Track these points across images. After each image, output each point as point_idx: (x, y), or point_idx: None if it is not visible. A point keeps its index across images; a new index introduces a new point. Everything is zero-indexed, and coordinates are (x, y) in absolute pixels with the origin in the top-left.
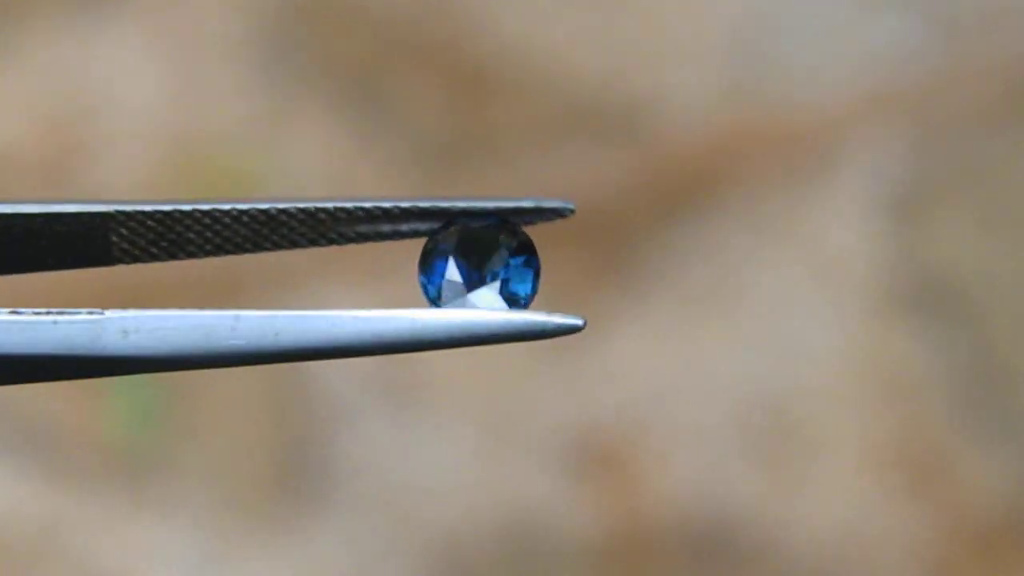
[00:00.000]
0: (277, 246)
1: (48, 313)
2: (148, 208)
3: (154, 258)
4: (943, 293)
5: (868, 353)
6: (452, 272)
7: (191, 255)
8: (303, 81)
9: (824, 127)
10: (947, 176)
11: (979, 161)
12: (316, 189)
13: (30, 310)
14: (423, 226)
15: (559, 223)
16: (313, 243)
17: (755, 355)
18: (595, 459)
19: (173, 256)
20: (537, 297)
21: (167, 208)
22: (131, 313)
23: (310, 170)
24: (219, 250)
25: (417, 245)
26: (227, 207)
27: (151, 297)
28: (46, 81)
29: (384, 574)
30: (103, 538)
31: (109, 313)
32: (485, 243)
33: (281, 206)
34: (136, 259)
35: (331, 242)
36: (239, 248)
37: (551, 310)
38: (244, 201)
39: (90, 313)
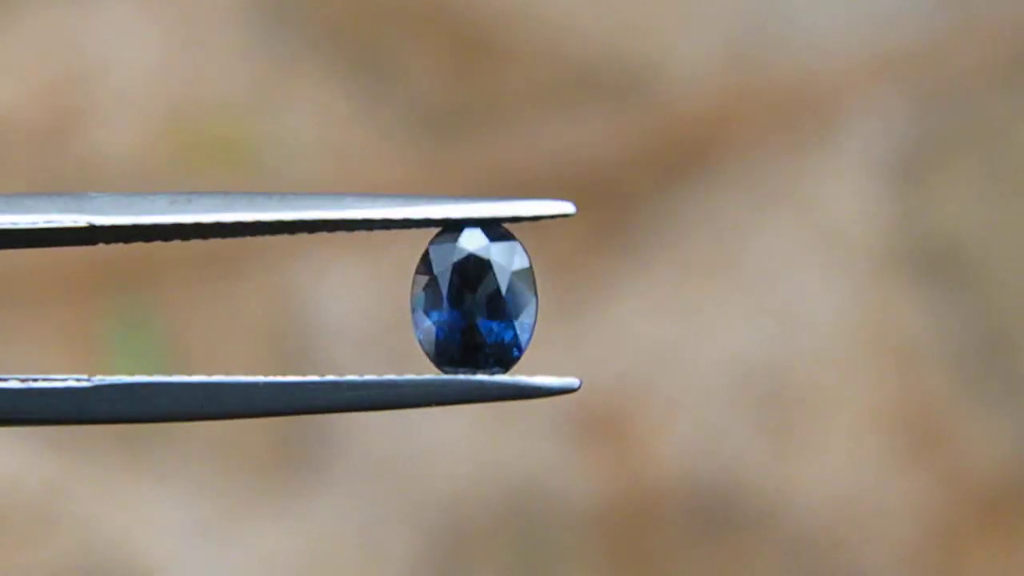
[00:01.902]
0: (263, 235)
1: (35, 380)
2: (127, 222)
3: (135, 241)
4: (947, 257)
5: (871, 318)
6: (446, 322)
7: (172, 240)
8: (301, 47)
9: (827, 91)
10: (951, 139)
11: (983, 124)
12: (314, 156)
13: (15, 376)
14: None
15: (561, 186)
16: (299, 232)
17: (757, 320)
18: (597, 425)
19: (154, 240)
20: (538, 269)
21: (147, 222)
22: (118, 380)
23: (309, 136)
24: (203, 237)
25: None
26: (211, 220)
27: (147, 276)
28: (42, 47)
29: (385, 541)
30: (104, 505)
31: (96, 379)
32: (480, 280)
33: (267, 218)
34: (116, 242)
35: (318, 231)
36: (223, 236)
37: (546, 372)
38: (229, 213)
39: (77, 380)
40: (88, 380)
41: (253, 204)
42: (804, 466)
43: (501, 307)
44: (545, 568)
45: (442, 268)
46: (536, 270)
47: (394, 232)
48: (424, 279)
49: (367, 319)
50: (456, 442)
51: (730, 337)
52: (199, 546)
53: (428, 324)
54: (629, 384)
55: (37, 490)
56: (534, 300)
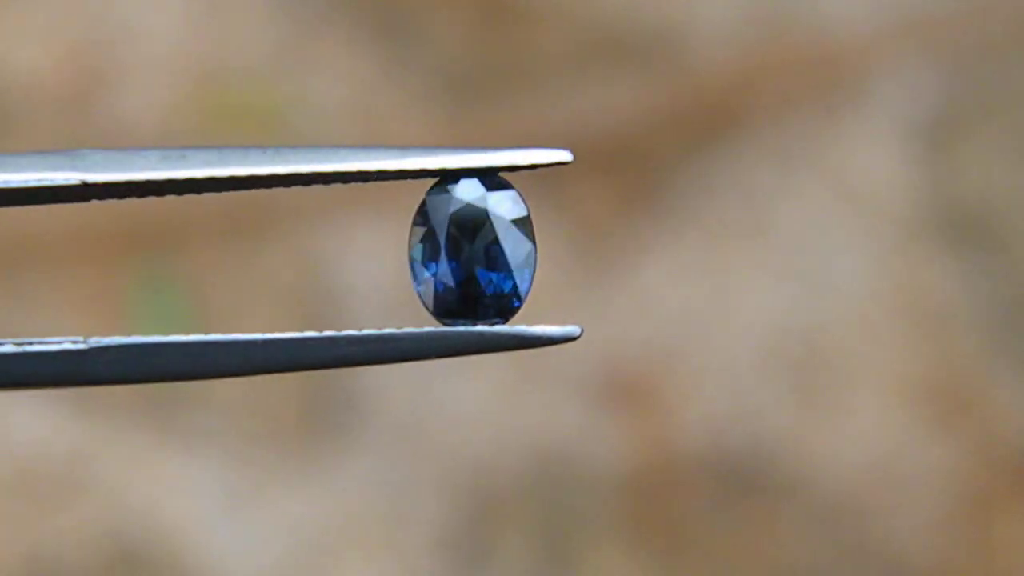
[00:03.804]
0: (257, 188)
1: (31, 343)
2: (120, 179)
3: (129, 197)
4: (975, 222)
5: (899, 284)
6: (445, 274)
7: (166, 195)
8: (326, 10)
9: (854, 55)
10: (979, 104)
11: (1012, 88)
12: (339, 119)
13: (11, 340)
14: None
15: (588, 151)
16: (294, 185)
17: (785, 286)
18: (624, 391)
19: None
20: (565, 234)
21: (140, 178)
22: (115, 341)
23: (334, 100)
24: (197, 192)
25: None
26: (202, 175)
27: (176, 238)
28: (67, 11)
29: (412, 506)
30: (131, 471)
31: (92, 341)
32: (477, 231)
33: (262, 171)
34: (110, 198)
35: (313, 183)
36: (217, 191)
37: (545, 314)
38: (222, 167)
39: (74, 343)
40: (84, 342)
41: (247, 158)
42: (832, 433)
43: (499, 257)
44: (571, 533)
45: (439, 219)
46: (563, 235)
47: (418, 193)
48: (421, 230)
49: (392, 282)
50: (482, 408)
51: (758, 302)
52: (226, 512)
53: (427, 276)
54: (656, 349)
55: (64, 456)
56: (533, 249)
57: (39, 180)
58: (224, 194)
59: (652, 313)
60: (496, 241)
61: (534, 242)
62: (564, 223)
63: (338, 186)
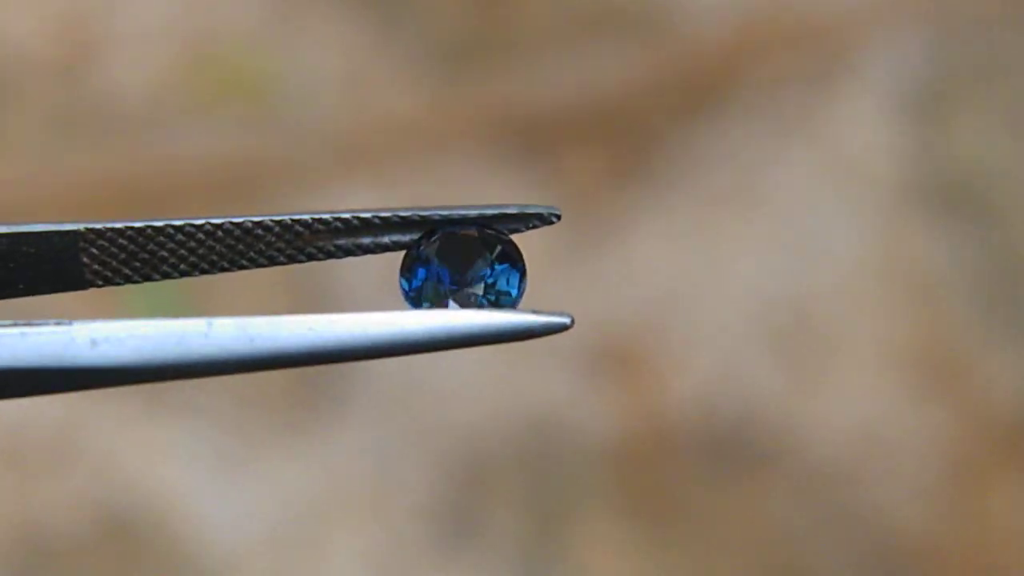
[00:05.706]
0: (254, 263)
1: (15, 325)
2: (118, 225)
3: (128, 279)
4: (964, 192)
5: (889, 252)
6: (434, 276)
7: (166, 275)
8: None
9: (846, 25)
10: (969, 75)
11: (1001, 60)
12: (331, 88)
13: None
14: (404, 237)
15: (580, 116)
16: (291, 259)
17: (775, 255)
18: (615, 359)
19: (147, 277)
20: (556, 203)
21: (138, 225)
22: (100, 323)
23: (325, 69)
24: (194, 268)
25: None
26: (200, 222)
27: (165, 207)
28: None
29: (404, 475)
30: (122, 440)
31: (77, 323)
32: (467, 248)
33: (256, 219)
34: (109, 281)
35: (310, 257)
36: (215, 266)
37: (536, 308)
38: (218, 216)
39: (58, 324)
40: (69, 324)
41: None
42: (822, 400)
43: (488, 264)
44: (560, 501)
45: (430, 253)
46: (553, 204)
47: (412, 168)
48: (409, 274)
49: (388, 257)
50: (474, 377)
51: (748, 271)
52: (216, 480)
53: (416, 278)
54: (646, 318)
55: (56, 425)
56: (520, 266)
57: (32, 228)
58: (213, 161)
59: (642, 282)
60: (488, 272)
61: (523, 262)
62: (554, 192)
63: (330, 150)
